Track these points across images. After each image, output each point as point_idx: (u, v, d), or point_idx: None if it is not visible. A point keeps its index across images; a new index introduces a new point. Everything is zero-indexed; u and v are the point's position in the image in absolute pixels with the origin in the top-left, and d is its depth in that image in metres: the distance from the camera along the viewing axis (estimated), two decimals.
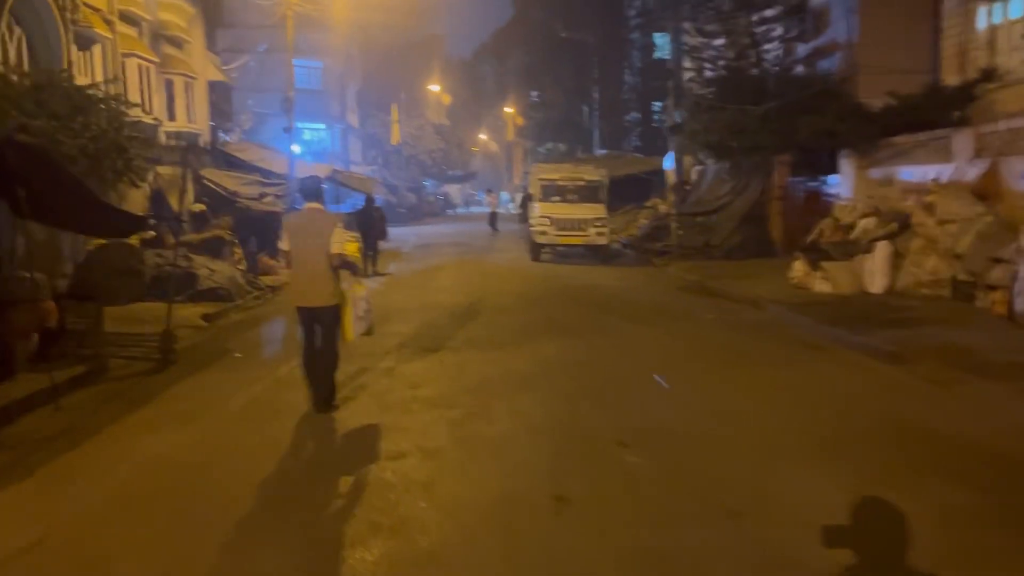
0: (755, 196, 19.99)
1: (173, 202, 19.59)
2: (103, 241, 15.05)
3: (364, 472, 5.26)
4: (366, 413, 6.75)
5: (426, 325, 11.19)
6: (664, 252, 20.37)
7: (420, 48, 57.94)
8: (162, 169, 18.91)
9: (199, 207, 20.50)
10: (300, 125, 40.83)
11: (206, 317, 12.88)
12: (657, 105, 38.50)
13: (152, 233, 17.28)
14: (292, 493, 5.02)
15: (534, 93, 57.87)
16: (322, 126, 45.25)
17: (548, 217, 19.70)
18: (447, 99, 62.29)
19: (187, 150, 21.99)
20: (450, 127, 66.55)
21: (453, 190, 68.67)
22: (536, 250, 20.21)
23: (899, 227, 12.76)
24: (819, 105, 18.30)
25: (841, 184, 16.13)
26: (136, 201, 16.76)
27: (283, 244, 6.88)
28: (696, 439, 5.90)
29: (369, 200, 21.11)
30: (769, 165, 19.68)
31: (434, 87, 55.12)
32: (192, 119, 24.64)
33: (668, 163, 19.86)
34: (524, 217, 31.52)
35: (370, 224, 19.31)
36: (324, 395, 6.82)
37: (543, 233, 19.66)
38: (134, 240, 16.73)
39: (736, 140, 19.36)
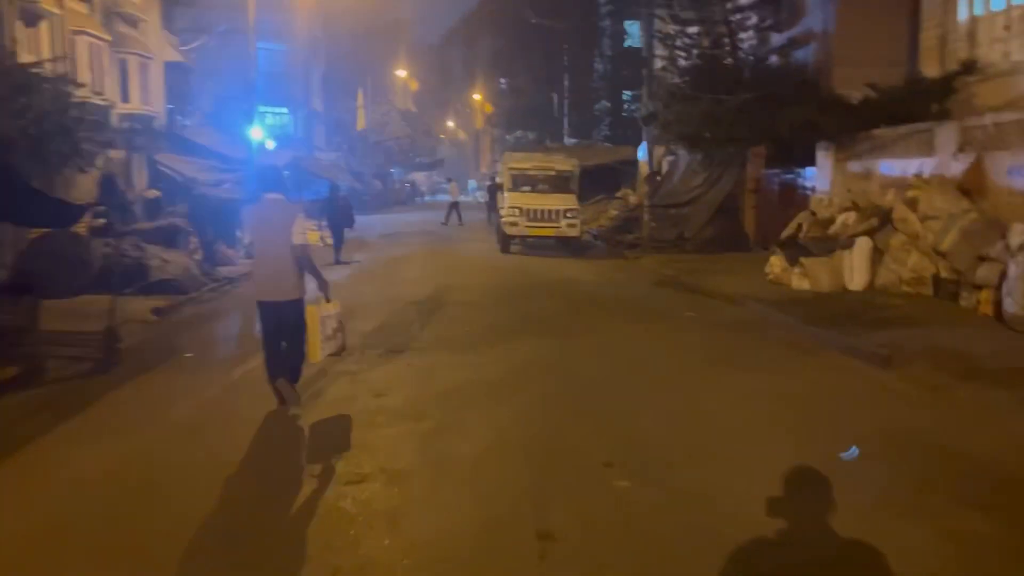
0: (728, 188, 19.63)
1: (124, 187, 18.73)
2: (47, 229, 14.19)
3: (321, 499, 4.67)
4: (325, 426, 6.15)
5: (392, 322, 10.58)
6: (636, 244, 19.94)
7: (386, 32, 56.77)
8: (114, 153, 17.99)
9: (153, 193, 19.59)
10: (263, 109, 39.96)
11: (157, 311, 12.12)
12: (627, 94, 38.10)
13: (102, 221, 16.40)
14: (237, 526, 4.42)
15: (503, 80, 57.16)
16: (285, 110, 44.13)
17: (518, 208, 19.13)
18: (414, 85, 61.31)
19: (140, 133, 21.06)
20: (417, 114, 65.58)
21: (420, 178, 67.74)
22: (506, 241, 19.65)
23: (880, 222, 12.41)
24: (795, 96, 17.97)
25: (818, 177, 15.79)
26: (84, 187, 15.86)
27: (247, 235, 6.49)
28: (687, 457, 5.40)
29: (334, 188, 20.62)
30: (743, 157, 19.32)
31: (401, 72, 54.09)
32: (147, 101, 23.62)
33: (642, 153, 19.39)
34: (492, 207, 30.94)
35: (336, 212, 18.86)
36: (294, 375, 6.66)
37: (513, 224, 19.10)
38: (81, 228, 15.87)
39: (711, 131, 18.98)
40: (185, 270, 14.37)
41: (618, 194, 28.49)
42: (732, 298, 12.62)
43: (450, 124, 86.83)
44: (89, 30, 19.56)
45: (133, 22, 23.29)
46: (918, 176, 12.28)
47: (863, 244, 12.31)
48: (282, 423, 6.29)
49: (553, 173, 20.57)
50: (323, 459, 5.36)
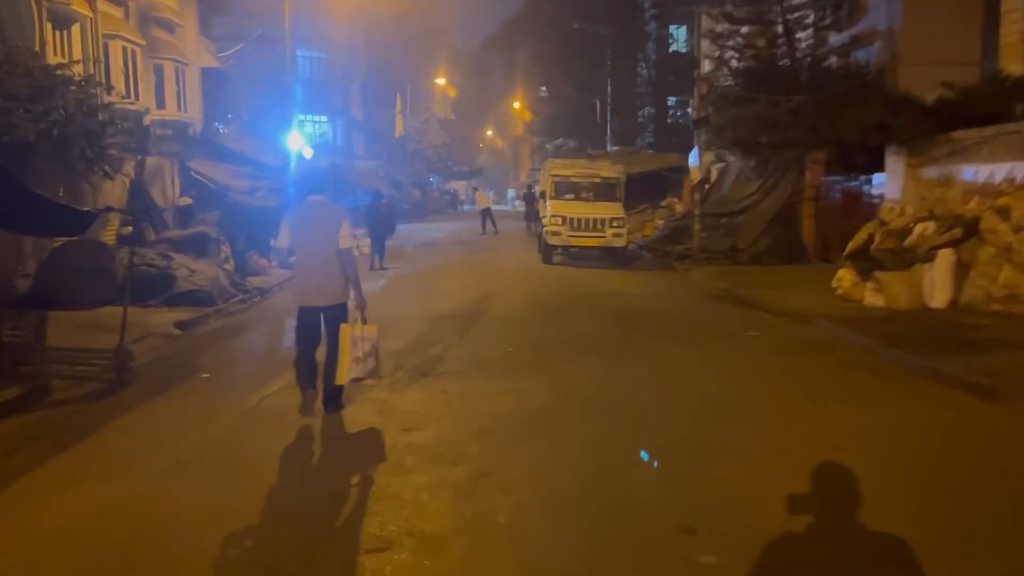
0: (785, 196, 18.49)
1: (156, 195, 18.25)
2: (71, 237, 13.65)
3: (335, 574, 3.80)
4: (344, 470, 5.28)
5: (427, 340, 9.72)
6: (686, 255, 18.88)
7: (426, 41, 56.42)
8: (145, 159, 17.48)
9: (185, 201, 19.08)
10: (302, 117, 39.75)
11: (180, 324, 11.43)
12: (672, 100, 37.01)
13: (130, 228, 15.86)
14: None
15: (543, 88, 56.36)
16: (324, 118, 43.82)
17: (561, 216, 18.20)
18: (453, 92, 60.76)
19: (174, 140, 20.60)
20: (456, 122, 65.06)
21: (459, 187, 67.20)
22: (548, 252, 18.72)
23: (964, 233, 11.25)
24: (857, 98, 16.82)
25: (887, 184, 14.60)
26: (111, 193, 15.33)
27: (280, 240, 6.50)
28: (785, 522, 4.41)
29: (377, 195, 20.33)
30: (801, 163, 18.18)
31: (440, 80, 53.56)
32: (183, 107, 23.22)
33: (693, 159, 18.35)
34: (530, 215, 30.09)
35: (378, 219, 18.75)
36: (332, 396, 6.41)
37: (556, 234, 18.16)
38: (109, 236, 15.35)
39: (766, 135, 17.89)
40: (213, 281, 13.71)
41: (663, 203, 27.47)
42: (797, 315, 11.53)
43: (489, 133, 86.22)
44: (123, 34, 19.15)
45: (169, 27, 22.93)
46: (1010, 182, 11.10)
47: (946, 257, 11.16)
48: (297, 463, 5.45)
49: (598, 180, 19.61)
50: (341, 516, 4.49)
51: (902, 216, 13.10)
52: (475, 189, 34.59)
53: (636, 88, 37.85)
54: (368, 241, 20.46)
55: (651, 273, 17.85)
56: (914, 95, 13.65)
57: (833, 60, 19.83)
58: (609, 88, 35.36)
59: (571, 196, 19.40)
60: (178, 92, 22.81)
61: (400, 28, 50.54)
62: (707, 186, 28.43)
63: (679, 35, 37.83)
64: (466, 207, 56.63)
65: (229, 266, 16.40)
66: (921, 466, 5.40)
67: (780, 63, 19.03)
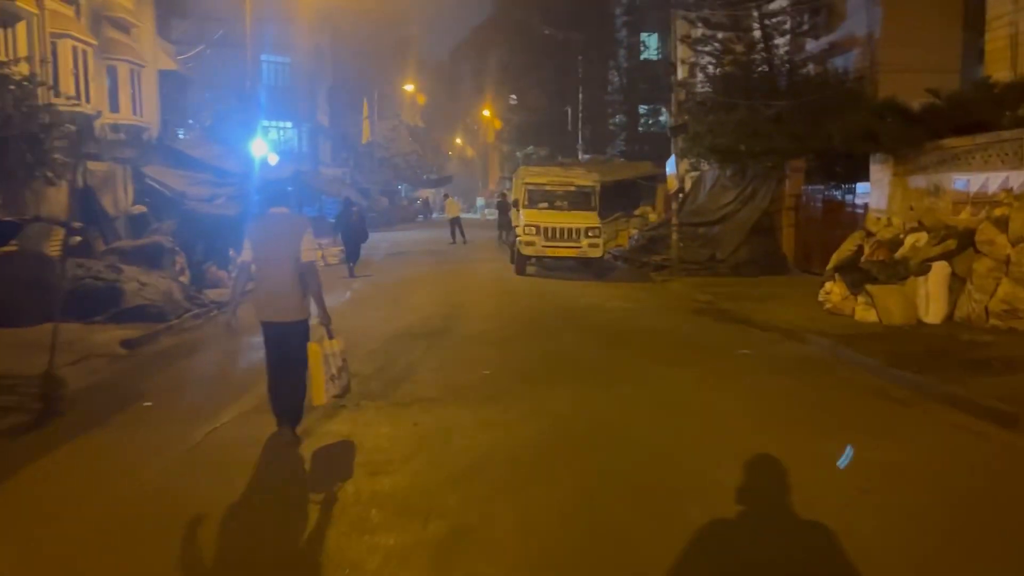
0: (764, 205, 18.03)
1: (107, 203, 17.23)
2: (9, 248, 12.66)
3: None
4: (297, 528, 4.49)
5: (396, 362, 8.96)
6: (664, 266, 18.31)
7: (394, 48, 55.64)
8: (95, 165, 16.47)
9: (138, 209, 18.07)
10: (266, 123, 38.77)
11: (127, 343, 10.52)
12: (644, 108, 36.64)
13: (78, 238, 14.86)
14: None
15: (512, 96, 55.80)
16: (289, 124, 42.80)
17: (535, 226, 17.52)
18: (422, 99, 60.02)
19: (128, 144, 19.60)
20: (425, 129, 64.31)
21: (429, 195, 66.35)
22: (522, 262, 18.03)
23: (958, 245, 10.76)
24: (838, 105, 16.43)
25: (872, 193, 14.15)
26: (56, 201, 14.33)
27: (243, 254, 6.18)
28: None
29: (348, 202, 20.20)
30: (780, 171, 17.73)
31: (409, 87, 52.80)
32: (138, 111, 22.19)
33: (670, 167, 17.80)
34: (502, 224, 29.40)
35: (350, 227, 18.53)
36: (294, 414, 6.09)
37: (530, 244, 17.48)
38: (54, 247, 14.34)
39: (746, 143, 17.41)
40: (166, 294, 12.79)
41: (637, 212, 26.97)
42: (788, 331, 10.95)
43: (458, 141, 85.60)
44: (73, 33, 18.14)
45: (124, 27, 21.92)
46: (1007, 192, 10.63)
47: (941, 270, 10.67)
48: (242, 520, 4.66)
49: (573, 189, 18.98)
50: None
51: (890, 227, 12.62)
52: (446, 196, 33.77)
53: (608, 96, 37.37)
54: (336, 250, 19.91)
55: (628, 285, 17.23)
56: (900, 102, 13.20)
57: (811, 67, 19.44)
58: (580, 96, 34.84)
59: (545, 205, 18.74)
60: (133, 95, 21.79)
61: (368, 35, 49.77)
62: (681, 195, 28.05)
63: (651, 43, 37.47)
64: (436, 215, 55.80)
65: (184, 278, 15.49)
66: (966, 511, 4.77)
67: (758, 69, 18.58)
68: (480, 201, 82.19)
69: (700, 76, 19.36)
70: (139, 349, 10.49)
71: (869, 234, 12.95)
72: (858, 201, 15.07)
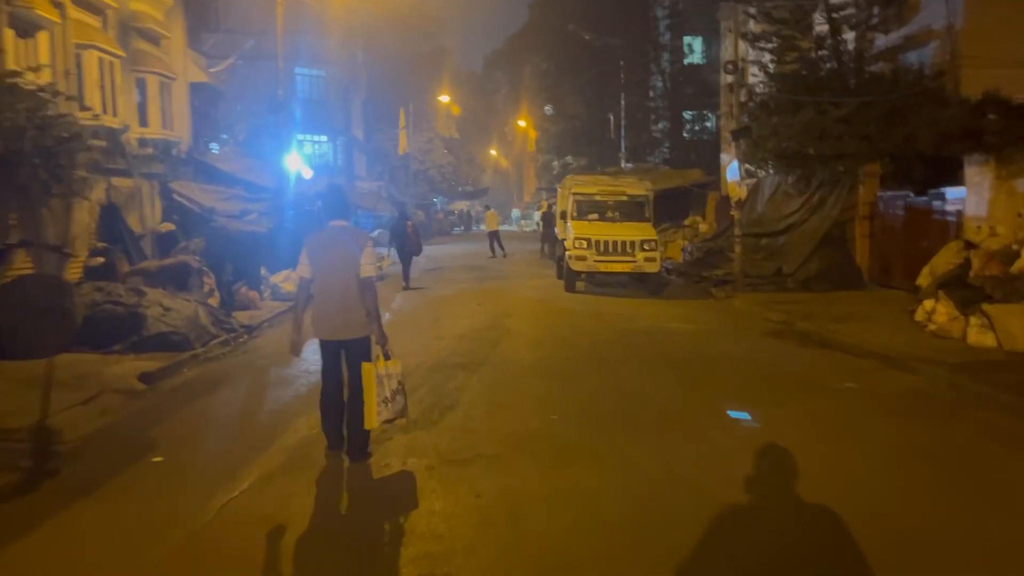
0: (834, 214, 16.57)
1: (133, 221, 16.38)
2: (22, 271, 11.75)
3: None
4: None
5: (443, 399, 7.76)
6: (725, 281, 16.92)
7: (428, 60, 54.91)
8: (120, 181, 15.61)
9: (167, 227, 17.20)
10: (301, 137, 38.17)
11: (146, 376, 9.48)
12: (688, 115, 35.25)
13: (100, 259, 13.99)
14: None
15: (548, 107, 54.64)
16: (324, 138, 42.19)
17: (586, 239, 16.25)
18: (457, 110, 59.11)
19: (156, 159, 18.75)
20: (460, 141, 63.42)
21: (464, 206, 65.47)
22: (572, 279, 16.76)
23: None
24: (913, 104, 14.99)
25: (970, 199, 12.67)
26: (76, 220, 13.45)
27: (300, 269, 5.95)
28: None
29: (403, 215, 20.34)
30: (851, 177, 16.28)
31: (444, 98, 51.96)
32: (169, 125, 21.38)
33: (732, 174, 16.42)
34: (547, 237, 28.18)
35: (404, 239, 18.66)
36: (358, 444, 5.89)
37: (580, 259, 16.21)
38: (75, 270, 13.45)
39: (814, 146, 15.99)
40: (191, 320, 11.76)
41: (686, 222, 25.58)
42: (887, 357, 9.55)
43: (492, 152, 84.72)
44: (99, 44, 17.33)
45: (153, 39, 21.15)
46: None
47: None
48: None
49: (625, 198, 17.70)
50: None
51: (995, 236, 11.17)
52: (487, 208, 32.65)
53: (650, 102, 36.01)
54: (391, 256, 19.79)
55: (688, 302, 15.87)
56: (1004, 96, 11.74)
57: (880, 64, 17.96)
58: (623, 102, 33.54)
59: (595, 216, 17.47)
60: (163, 108, 20.98)
61: (402, 46, 49.17)
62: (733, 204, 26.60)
63: (696, 46, 36.10)
64: (478, 227, 54.81)
65: (214, 300, 14.52)
66: None
67: (826, 67, 17.15)
68: (515, 213, 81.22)
69: (759, 76, 17.92)
70: (158, 383, 9.45)
71: (969, 245, 11.52)
72: (948, 208, 13.57)
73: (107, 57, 17.88)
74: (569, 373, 9.06)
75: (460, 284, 19.37)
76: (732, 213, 17.12)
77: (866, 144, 15.61)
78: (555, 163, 48.69)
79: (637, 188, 18.09)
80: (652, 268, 16.18)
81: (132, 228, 15.37)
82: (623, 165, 34.72)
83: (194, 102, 24.30)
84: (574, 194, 17.87)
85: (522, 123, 64.23)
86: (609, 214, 17.48)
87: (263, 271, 16.82)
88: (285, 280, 17.29)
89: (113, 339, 10.92)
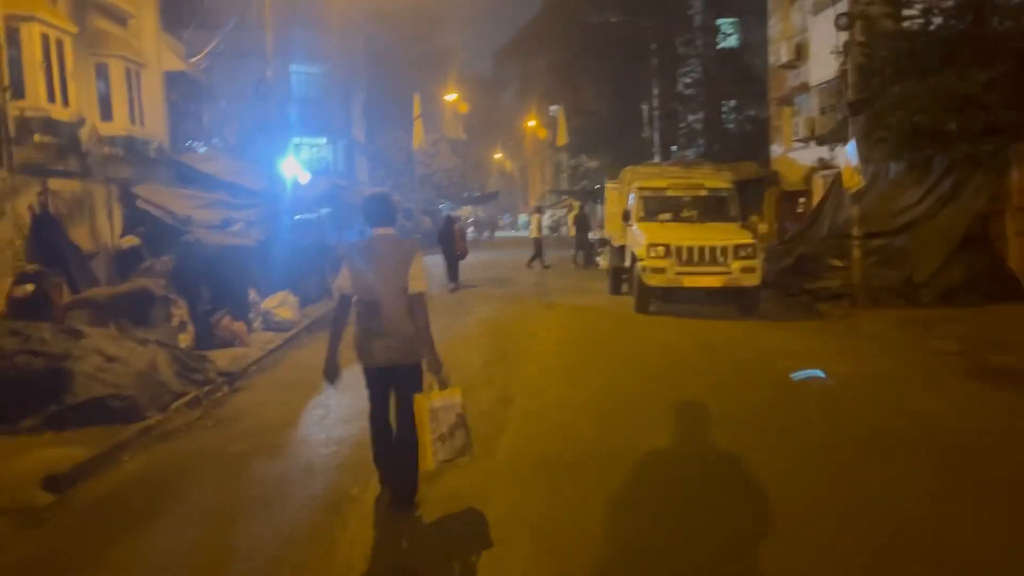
0: (978, 206, 13.00)
1: (80, 235, 12.86)
2: None
3: None
4: None
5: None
6: (839, 295, 13.37)
7: (433, 58, 51.52)
8: (61, 184, 12.08)
9: (130, 241, 13.66)
10: (298, 140, 34.96)
11: (53, 481, 5.99)
12: (729, 104, 31.74)
13: (30, 287, 10.47)
14: None
15: (552, 108, 51.13)
16: (324, 140, 38.72)
17: (664, 245, 12.67)
18: (464, 108, 55.65)
19: (120, 160, 15.23)
20: (467, 143, 60.06)
21: (468, 211, 62.04)
22: (645, 296, 13.14)
23: None
24: None
25: None
26: None
27: (341, 283, 5.08)
28: None
29: (450, 219, 20.49)
30: (1001, 158, 12.72)
31: (450, 96, 48.56)
32: (139, 120, 17.87)
33: (851, 153, 12.77)
34: (583, 243, 24.67)
35: (451, 242, 18.88)
36: (407, 489, 5.11)
37: (658, 271, 12.62)
38: None
39: (955, 121, 12.44)
40: (142, 375, 8.23)
41: (752, 220, 21.96)
42: None
43: (497, 156, 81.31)
44: (41, 16, 13.82)
45: (119, 18, 17.61)
46: None
47: None
48: None
49: (704, 193, 14.17)
50: None
51: None
52: (537, 210, 29.04)
53: (684, 91, 32.44)
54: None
55: (800, 325, 12.29)
56: None
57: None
58: (655, 90, 29.98)
59: (668, 216, 13.94)
60: (131, 100, 17.50)
61: (405, 45, 46.03)
62: (801, 201, 23.03)
63: (729, 29, 32.54)
64: (484, 234, 51.29)
65: (186, 337, 11.03)
66: None
67: (966, 20, 13.51)
68: (523, 217, 77.81)
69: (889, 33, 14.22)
70: (75, 491, 5.99)
71: None
72: None
73: (54, 33, 14.31)
74: (713, 484, 5.48)
75: (487, 307, 15.79)
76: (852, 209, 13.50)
77: (1022, 116, 12.11)
78: (570, 161, 45.20)
79: (718, 180, 14.56)
80: (751, 281, 12.59)
81: (77, 244, 11.81)
82: (655, 162, 31.13)
83: (172, 96, 20.85)
84: (639, 189, 14.32)
85: (532, 123, 60.77)
86: (685, 213, 13.95)
87: (252, 295, 13.29)
88: (280, 305, 13.77)
89: (23, 409, 7.45)
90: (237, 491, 5.73)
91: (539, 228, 25.15)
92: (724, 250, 12.61)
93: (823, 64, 22.71)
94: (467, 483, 5.47)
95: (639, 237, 13.34)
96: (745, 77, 29.59)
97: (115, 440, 6.97)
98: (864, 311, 12.59)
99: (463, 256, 19.46)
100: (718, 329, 11.80)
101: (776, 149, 26.78)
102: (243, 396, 8.98)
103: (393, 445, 5.14)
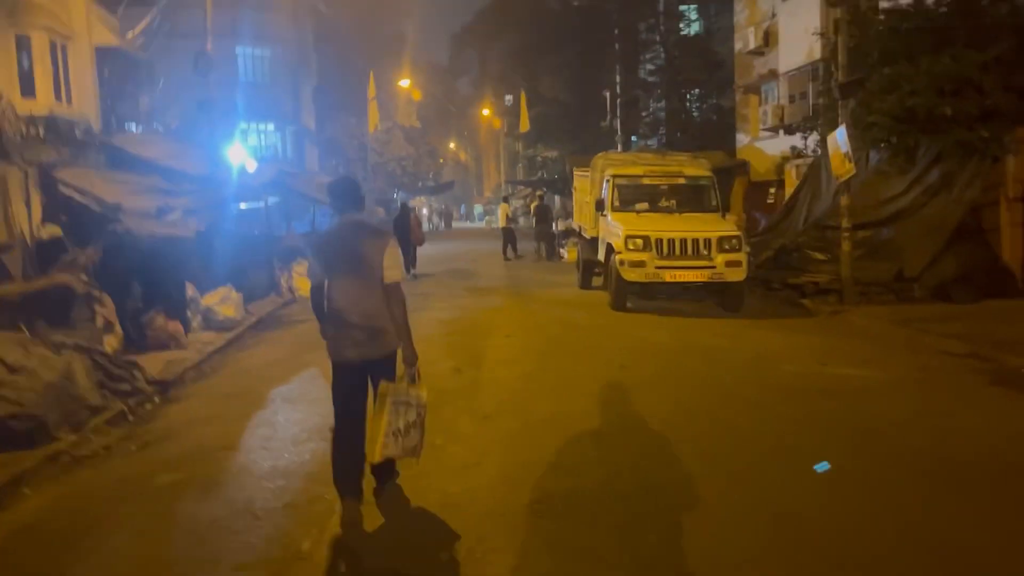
0: (972, 196, 12.32)
1: None
2: None
3: None
4: None
5: None
6: (825, 291, 12.60)
7: (386, 45, 49.92)
8: None
9: (51, 231, 12.19)
10: (245, 125, 33.38)
11: None
12: (692, 93, 31.02)
13: None
14: None
15: (508, 97, 50.13)
16: (271, 126, 37.01)
17: (643, 237, 11.73)
18: (418, 95, 54.18)
19: (39, 141, 13.72)
20: (421, 131, 58.56)
21: (421, 202, 60.61)
22: (623, 292, 12.15)
23: None
24: None
25: None
26: None
27: (308, 274, 5.00)
28: None
29: (405, 207, 19.96)
30: (996, 145, 12.05)
31: (404, 82, 47.06)
32: (65, 97, 16.35)
33: (841, 140, 11.97)
34: (544, 235, 23.69)
35: (407, 230, 18.39)
36: (384, 475, 4.90)
37: (637, 264, 11.65)
38: None
39: (951, 105, 11.72)
40: (51, 388, 6.97)
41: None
42: None
43: (452, 145, 79.95)
44: None
45: None
46: None
47: None
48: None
49: (683, 181, 13.25)
50: None
51: None
52: (504, 200, 28.45)
53: (650, 77, 31.59)
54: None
55: (790, 323, 11.46)
56: None
57: None
58: (618, 77, 28.97)
59: (645, 206, 12.99)
60: (56, 76, 15.96)
61: (357, 28, 44.47)
62: (772, 191, 22.40)
63: (693, 15, 31.79)
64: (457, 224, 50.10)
65: (113, 339, 9.78)
66: None
67: None
68: (478, 208, 76.55)
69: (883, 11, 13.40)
70: None
71: None
72: None
73: None
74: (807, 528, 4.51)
75: (459, 299, 14.72)
76: (839, 197, 12.73)
77: (1020, 100, 11.45)
78: (526, 152, 44.23)
79: (696, 167, 13.66)
80: (737, 275, 11.70)
81: None
82: (619, 151, 30.26)
83: (105, 73, 19.28)
84: (613, 177, 13.33)
85: (486, 112, 59.64)
86: (663, 203, 13.01)
87: (190, 291, 11.98)
88: (222, 302, 12.50)
89: None
90: (160, 541, 4.58)
91: (507, 218, 24.15)
92: (708, 242, 11.71)
93: (792, 51, 22.08)
94: (445, 536, 4.41)
95: (615, 228, 12.36)
96: (709, 64, 28.91)
97: (13, 471, 5.76)
98: (854, 308, 11.83)
99: (420, 244, 19.57)
100: (705, 328, 10.90)
101: (742, 138, 26.16)
102: (176, 409, 7.78)
103: (359, 445, 4.68)
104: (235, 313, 12.60)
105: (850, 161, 11.72)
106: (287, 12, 36.44)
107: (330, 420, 4.83)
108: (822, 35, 14.04)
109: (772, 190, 21.49)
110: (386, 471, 4.90)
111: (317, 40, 41.50)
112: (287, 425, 6.85)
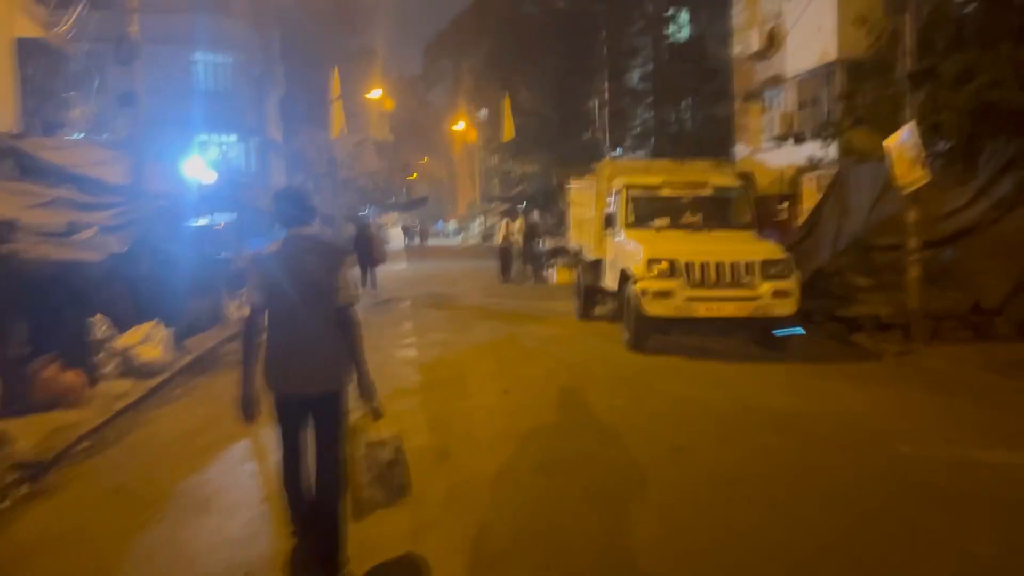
0: None
1: None
2: None
3: None
4: None
5: None
6: (887, 325, 10.40)
7: (356, 55, 47.72)
8: None
9: None
10: (206, 137, 31.27)
11: None
12: (685, 101, 29.07)
13: None
14: None
15: (483, 110, 48.06)
16: (233, 138, 34.53)
17: (670, 262, 9.45)
18: (390, 105, 51.86)
19: None
20: (393, 145, 56.34)
21: (391, 219, 58.35)
22: (644, 330, 9.77)
23: None
24: None
25: None
26: None
27: (249, 297, 4.17)
28: None
29: (363, 224, 19.52)
30: None
31: (375, 93, 44.80)
32: None
33: (910, 141, 9.77)
34: (532, 254, 21.42)
35: (366, 248, 17.92)
36: (326, 549, 4.01)
37: (664, 295, 9.32)
38: None
39: None
40: None
41: None
42: None
43: (424, 160, 77.76)
44: None
45: None
46: None
47: None
48: None
49: (710, 193, 11.02)
50: None
51: None
52: (507, 216, 25.88)
53: (639, 84, 29.60)
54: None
55: (856, 368, 9.19)
56: None
57: None
58: (607, 84, 26.92)
59: (665, 223, 10.72)
60: None
61: (327, 37, 42.36)
62: (785, 204, 20.28)
63: (683, 22, 29.90)
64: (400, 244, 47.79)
65: None
66: None
67: None
68: (451, 225, 74.21)
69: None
70: None
71: None
72: None
73: None
74: None
75: (437, 332, 12.31)
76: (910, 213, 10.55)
77: None
78: (503, 166, 42.07)
79: (724, 177, 11.45)
80: (787, 309, 9.41)
81: None
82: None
83: (28, 70, 16.77)
84: (626, 188, 11.04)
85: (460, 125, 57.50)
86: (687, 218, 10.76)
87: (101, 329, 9.48)
88: (144, 342, 10.00)
89: None
90: None
91: (504, 236, 21.83)
92: (750, 267, 9.44)
93: (802, 52, 20.15)
94: None
95: (631, 250, 10.06)
96: (701, 72, 26.98)
97: None
98: (924, 347, 9.66)
99: (381, 262, 19.08)
100: (756, 379, 8.59)
101: (742, 149, 24.16)
102: (42, 511, 5.38)
103: (317, 493, 4.08)
104: (161, 355, 10.12)
105: (923, 166, 9.53)
106: (250, 18, 34.22)
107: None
108: (862, 22, 11.90)
109: (784, 204, 19.41)
110: (330, 558, 4.01)
111: (284, 50, 39.34)
112: (182, 557, 4.44)
